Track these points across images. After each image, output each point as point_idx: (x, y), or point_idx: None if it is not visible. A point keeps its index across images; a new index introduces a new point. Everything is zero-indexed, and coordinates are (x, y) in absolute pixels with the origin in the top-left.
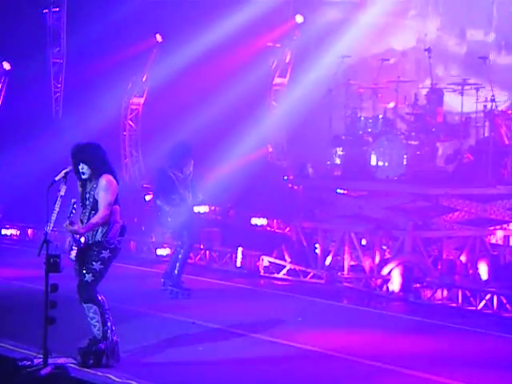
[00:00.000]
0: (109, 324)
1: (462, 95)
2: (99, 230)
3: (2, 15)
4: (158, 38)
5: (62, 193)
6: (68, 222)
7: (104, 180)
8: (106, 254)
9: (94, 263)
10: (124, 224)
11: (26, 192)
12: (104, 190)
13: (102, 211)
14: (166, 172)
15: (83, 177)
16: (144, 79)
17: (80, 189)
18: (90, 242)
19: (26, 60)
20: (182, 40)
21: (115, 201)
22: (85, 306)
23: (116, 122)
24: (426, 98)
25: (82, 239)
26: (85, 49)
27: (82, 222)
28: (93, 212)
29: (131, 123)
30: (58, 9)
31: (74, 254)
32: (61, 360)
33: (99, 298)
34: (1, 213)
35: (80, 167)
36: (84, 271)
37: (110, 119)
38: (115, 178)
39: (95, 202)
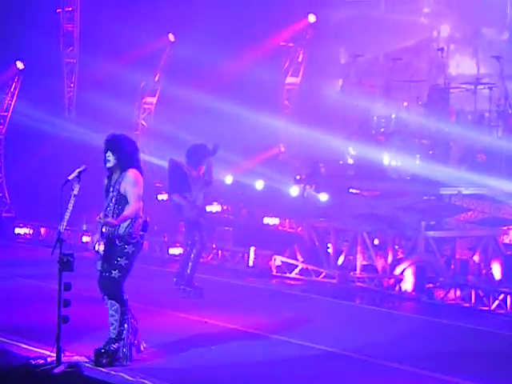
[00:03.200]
0: (125, 325)
1: (475, 94)
2: (122, 225)
3: (16, 15)
4: (171, 37)
5: (76, 192)
6: (102, 214)
7: (131, 174)
8: (129, 248)
9: (119, 259)
10: (146, 219)
11: (39, 191)
12: (132, 184)
13: (133, 205)
14: (181, 168)
15: (108, 165)
16: (156, 79)
17: (106, 181)
18: (112, 235)
19: (40, 60)
20: (194, 39)
21: None
22: (108, 301)
23: (129, 122)
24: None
25: (104, 229)
26: (98, 48)
27: (105, 215)
28: (116, 206)
29: (144, 123)
30: (71, 8)
31: (102, 248)
32: (74, 358)
33: (124, 296)
34: (14, 212)
35: (107, 154)
36: (110, 267)
37: (123, 118)
38: (141, 173)
39: (119, 195)
